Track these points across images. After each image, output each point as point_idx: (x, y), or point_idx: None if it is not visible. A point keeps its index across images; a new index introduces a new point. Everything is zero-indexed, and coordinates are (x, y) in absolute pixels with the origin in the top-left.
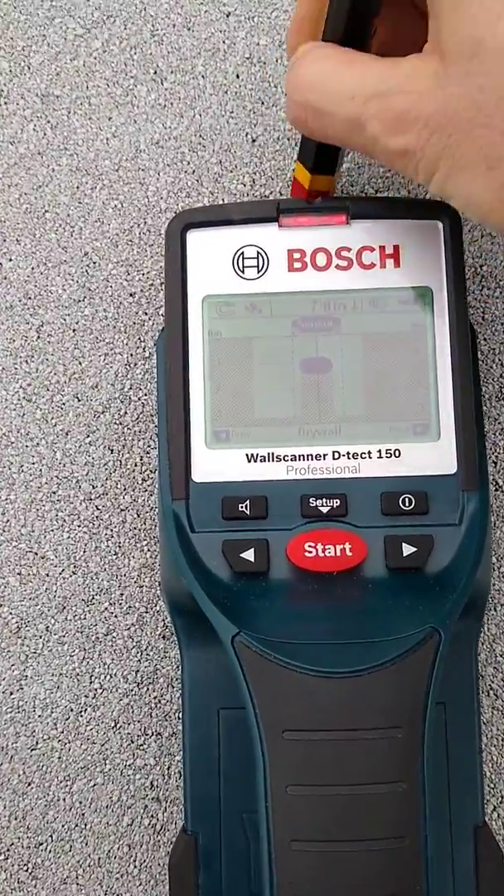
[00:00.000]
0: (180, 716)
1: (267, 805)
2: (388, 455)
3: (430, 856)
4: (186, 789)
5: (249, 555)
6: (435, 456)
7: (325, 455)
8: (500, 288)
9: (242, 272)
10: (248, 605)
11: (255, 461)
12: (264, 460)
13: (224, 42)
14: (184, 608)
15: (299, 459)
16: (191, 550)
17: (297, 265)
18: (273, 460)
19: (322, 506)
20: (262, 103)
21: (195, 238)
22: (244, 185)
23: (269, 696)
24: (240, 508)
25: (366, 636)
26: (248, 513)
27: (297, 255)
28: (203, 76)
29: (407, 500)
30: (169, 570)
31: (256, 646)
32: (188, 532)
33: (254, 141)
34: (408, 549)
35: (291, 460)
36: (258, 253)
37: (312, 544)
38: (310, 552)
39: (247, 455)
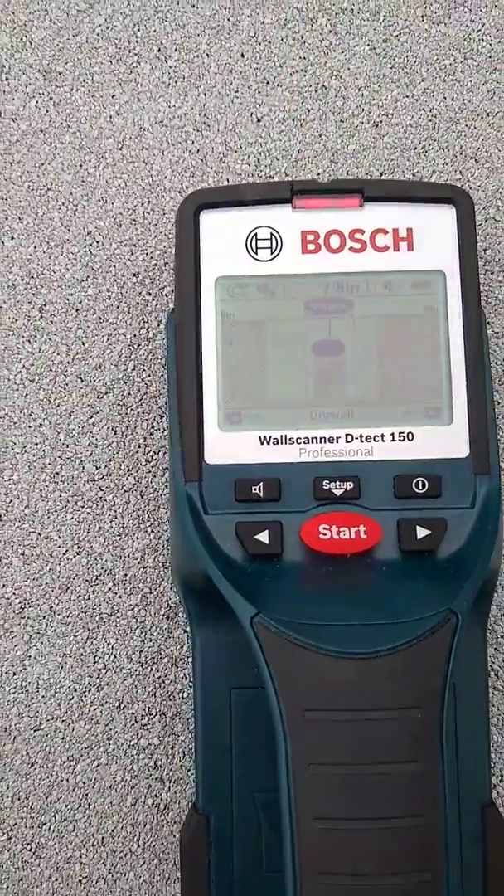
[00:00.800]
0: (188, 696)
1: (289, 784)
2: (401, 438)
3: (448, 837)
4: (198, 770)
5: (263, 536)
6: (448, 439)
7: (337, 438)
8: (503, 272)
9: (255, 253)
10: (264, 587)
11: (268, 443)
12: (277, 443)
13: (229, 20)
14: (196, 589)
15: (312, 442)
16: (205, 532)
17: (311, 247)
18: (286, 443)
19: (335, 488)
20: (268, 83)
21: (208, 219)
22: (249, 166)
23: (289, 677)
24: (253, 491)
25: (384, 618)
26: (261, 495)
27: (310, 237)
28: (208, 54)
29: (420, 483)
30: (181, 552)
31: (276, 626)
32: (201, 514)
33: (259, 121)
34: (421, 532)
35: (304, 443)
36: (271, 234)
37: (327, 527)
38: (324, 534)
39: (259, 437)
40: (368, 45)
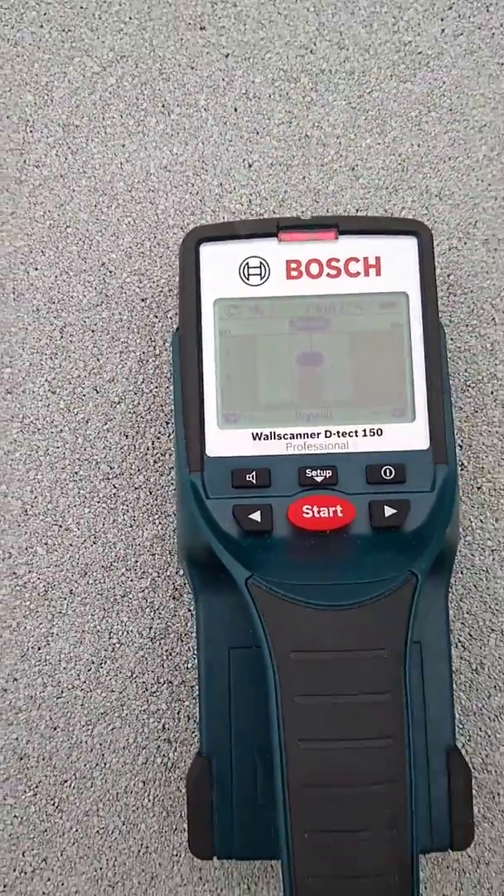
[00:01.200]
0: (192, 667)
1: (278, 713)
2: (372, 434)
3: (412, 756)
4: (202, 719)
5: (256, 516)
6: (411, 434)
7: (318, 434)
8: (463, 294)
9: (248, 279)
10: (256, 556)
11: (260, 439)
12: (267, 438)
13: (223, 79)
14: (199, 562)
15: (297, 438)
16: (207, 513)
17: (294, 273)
18: (275, 438)
19: (317, 476)
20: (257, 133)
21: (207, 250)
22: (241, 205)
23: (278, 626)
24: (247, 478)
25: (356, 578)
26: (254, 482)
27: (293, 265)
28: (205, 109)
29: (388, 471)
30: (186, 531)
31: (266, 585)
32: (203, 498)
33: (250, 166)
34: (389, 511)
35: (290, 438)
36: (261, 263)
37: (309, 507)
38: (307, 514)
39: (252, 434)
40: (345, 100)
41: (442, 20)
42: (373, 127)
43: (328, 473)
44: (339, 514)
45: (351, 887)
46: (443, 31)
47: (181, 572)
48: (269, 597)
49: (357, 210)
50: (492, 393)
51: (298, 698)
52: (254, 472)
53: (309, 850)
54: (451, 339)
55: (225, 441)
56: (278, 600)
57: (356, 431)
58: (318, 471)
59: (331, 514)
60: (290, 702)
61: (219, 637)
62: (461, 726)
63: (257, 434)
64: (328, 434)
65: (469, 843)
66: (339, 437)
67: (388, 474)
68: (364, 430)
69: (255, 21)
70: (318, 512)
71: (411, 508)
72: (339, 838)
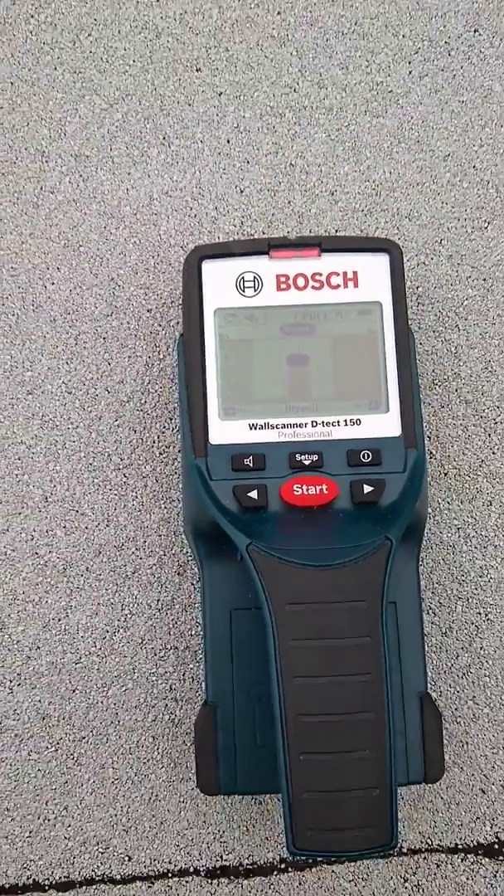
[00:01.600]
0: (197, 633)
1: (276, 655)
2: (352, 423)
3: (389, 689)
4: (207, 671)
5: (253, 494)
6: (385, 423)
7: (306, 424)
8: (431, 304)
9: (243, 291)
10: (254, 527)
11: (256, 429)
12: (262, 428)
13: (217, 115)
14: (204, 534)
15: (287, 427)
16: (210, 493)
17: (283, 286)
18: (268, 428)
19: (305, 460)
20: (248, 162)
21: (208, 266)
22: (234, 226)
23: (274, 583)
24: (245, 462)
25: (340, 543)
26: (251, 465)
27: (283, 279)
28: (201, 141)
29: (366, 455)
30: (193, 508)
31: (264, 549)
32: (208, 480)
33: (242, 192)
34: (367, 489)
35: (282, 428)
36: (254, 277)
37: (299, 486)
38: (297, 492)
39: (249, 424)
40: (325, 133)
41: (409, 63)
42: (349, 156)
43: (315, 457)
44: (325, 492)
45: (340, 799)
46: (410, 72)
47: (185, 550)
48: (267, 559)
49: (336, 230)
50: (456, 390)
51: (293, 642)
52: (251, 457)
53: (304, 770)
54: (420, 344)
55: (225, 431)
56: (275, 561)
57: (338, 421)
58: (306, 455)
59: (317, 492)
60: (286, 646)
61: (221, 600)
62: (433, 683)
63: (253, 424)
64: (314, 424)
65: (439, 776)
66: (323, 426)
67: (366, 458)
68: (345, 421)
69: (245, 63)
70: (307, 490)
71: (386, 486)
72: (329, 759)
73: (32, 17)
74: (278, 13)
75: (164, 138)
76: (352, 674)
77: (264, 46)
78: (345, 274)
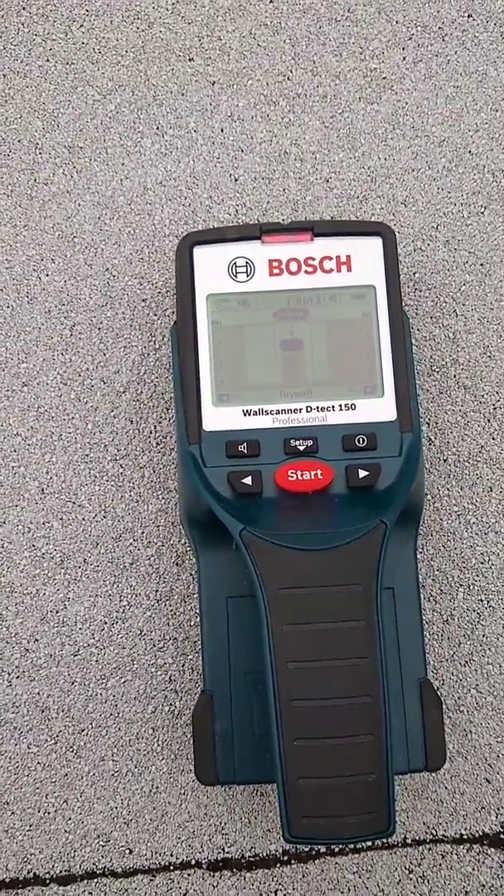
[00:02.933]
0: (195, 624)
1: (270, 640)
2: (347, 408)
3: (385, 673)
4: (204, 660)
5: (248, 480)
6: (380, 408)
7: (300, 409)
8: (428, 290)
9: (235, 277)
10: (249, 513)
11: (249, 415)
12: (256, 414)
13: (210, 104)
14: (200, 522)
15: (282, 413)
16: (205, 480)
17: (276, 271)
18: (262, 414)
19: (300, 445)
20: (242, 151)
21: (200, 252)
22: (229, 215)
23: (268, 567)
24: (239, 449)
25: (335, 527)
26: (245, 452)
27: (275, 264)
28: (195, 130)
29: (361, 439)
30: (188, 496)
31: (257, 534)
32: (202, 466)
33: (236, 180)
34: (362, 474)
35: (276, 413)
36: (247, 262)
37: (293, 472)
38: (292, 477)
39: (243, 411)
40: (319, 120)
41: (403, 49)
42: (344, 143)
43: (309, 443)
44: (320, 477)
45: (336, 785)
46: (404, 58)
47: (183, 541)
48: (260, 544)
49: (331, 217)
50: (454, 376)
51: (287, 627)
52: (245, 443)
53: (299, 755)
54: (417, 330)
55: (219, 417)
56: (268, 546)
57: (333, 406)
58: (301, 441)
59: (312, 477)
60: (280, 630)
61: (218, 588)
62: (435, 671)
63: (247, 411)
64: (309, 409)
65: (441, 764)
66: (318, 411)
67: (361, 442)
68: (340, 405)
69: (238, 52)
70: (302, 475)
71: (382, 470)
72: (325, 744)
73: (24, 8)
74: (271, 1)
75: (157, 128)
76: (346, 657)
77: (257, 35)
78: (338, 258)
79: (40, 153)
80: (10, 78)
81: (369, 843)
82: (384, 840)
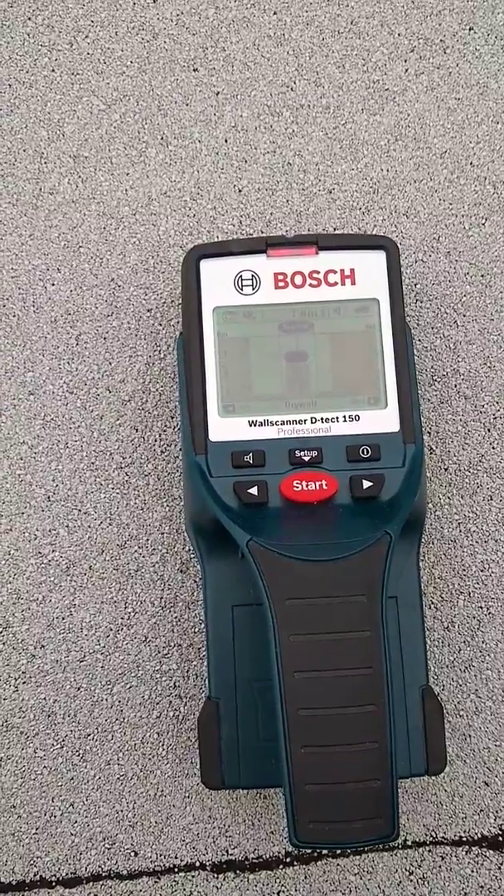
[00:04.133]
0: (200, 631)
1: (277, 649)
2: (351, 419)
3: (390, 682)
4: (210, 667)
5: (254, 490)
6: (384, 419)
7: (305, 420)
8: (429, 300)
9: (241, 290)
10: (255, 523)
11: (255, 426)
12: (261, 425)
13: (215, 114)
14: (205, 531)
15: (287, 424)
16: (211, 490)
17: (281, 284)
18: (268, 425)
19: (304, 455)
20: (246, 162)
21: (206, 265)
22: (233, 226)
23: (275, 578)
24: (245, 459)
25: (340, 538)
26: (251, 462)
27: (280, 277)
28: (199, 141)
29: (365, 450)
30: (194, 505)
31: (264, 545)
32: (208, 476)
33: (240, 191)
34: (366, 484)
35: (281, 424)
36: (252, 275)
37: (299, 482)
38: (297, 488)
39: (248, 421)
40: (322, 131)
41: (405, 61)
42: (347, 155)
43: (314, 453)
44: (324, 487)
45: (341, 791)
46: (406, 70)
47: (187, 548)
48: (267, 554)
49: (334, 228)
50: (455, 386)
51: (293, 637)
52: (251, 454)
53: (305, 762)
54: (419, 340)
55: (225, 428)
56: (275, 556)
57: (337, 417)
58: (306, 451)
59: (317, 488)
60: (287, 640)
61: (223, 596)
62: (436, 677)
63: (253, 421)
64: (313, 420)
65: (442, 769)
66: (322, 422)
67: (365, 453)
68: (344, 417)
69: (242, 63)
70: (307, 486)
71: (385, 481)
72: (331, 751)
73: (30, 19)
74: (274, 13)
75: (162, 138)
76: (352, 667)
77: (261, 46)
78: (342, 271)
79: (46, 163)
80: (15, 88)
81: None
82: None
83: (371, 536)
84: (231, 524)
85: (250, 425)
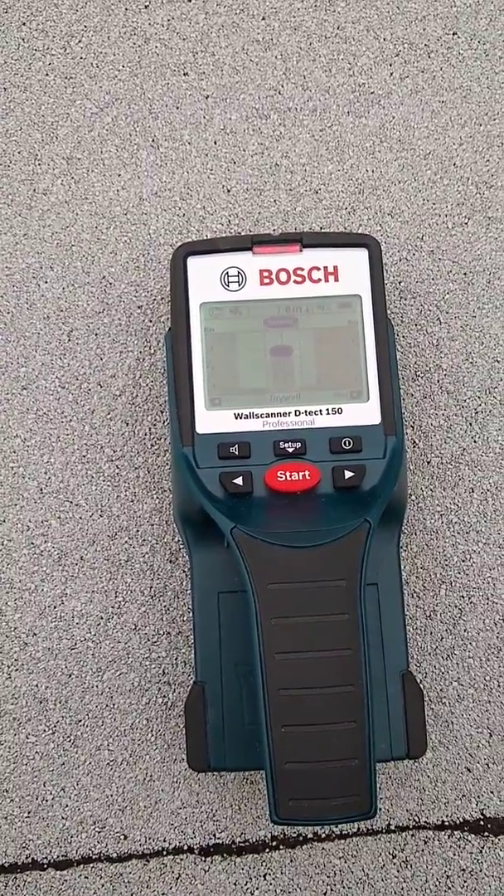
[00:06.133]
0: (188, 619)
1: (259, 632)
2: (334, 412)
3: (368, 663)
4: (196, 651)
5: (239, 481)
6: (366, 412)
7: (289, 413)
8: (413, 298)
9: (227, 286)
10: (239, 511)
11: (241, 418)
12: (247, 417)
13: (204, 117)
14: (192, 520)
15: (271, 416)
16: (198, 480)
17: (266, 280)
18: (253, 417)
19: (288, 447)
20: (234, 163)
21: (193, 262)
22: (222, 225)
23: (257, 563)
24: (230, 451)
25: (320, 525)
26: (236, 454)
27: (266, 274)
28: (189, 143)
29: (347, 442)
30: (181, 495)
31: (248, 532)
32: (195, 468)
33: (229, 191)
34: (348, 475)
35: (266, 417)
36: (238, 272)
37: (282, 473)
38: (281, 478)
39: (234, 414)
40: (309, 133)
41: (390, 65)
42: (333, 156)
43: (298, 445)
44: (307, 478)
45: (321, 770)
46: (391, 74)
47: (176, 538)
48: (250, 541)
49: (320, 228)
50: (437, 381)
51: (275, 620)
52: (236, 445)
53: (286, 741)
54: (402, 337)
55: (211, 420)
56: (258, 543)
57: (320, 410)
58: (290, 443)
59: (300, 478)
60: (268, 623)
61: (209, 584)
62: (418, 665)
63: (238, 414)
64: (297, 413)
65: (423, 752)
66: (306, 415)
67: (347, 445)
68: (327, 409)
69: (231, 67)
70: (290, 476)
71: (366, 472)
72: (310, 731)
73: (24, 24)
74: (263, 18)
75: (153, 141)
76: (331, 649)
77: (249, 51)
78: (325, 268)
79: (39, 164)
80: (10, 91)
81: (354, 829)
82: (369, 826)
83: (351, 524)
84: (216, 513)
85: (236, 418)
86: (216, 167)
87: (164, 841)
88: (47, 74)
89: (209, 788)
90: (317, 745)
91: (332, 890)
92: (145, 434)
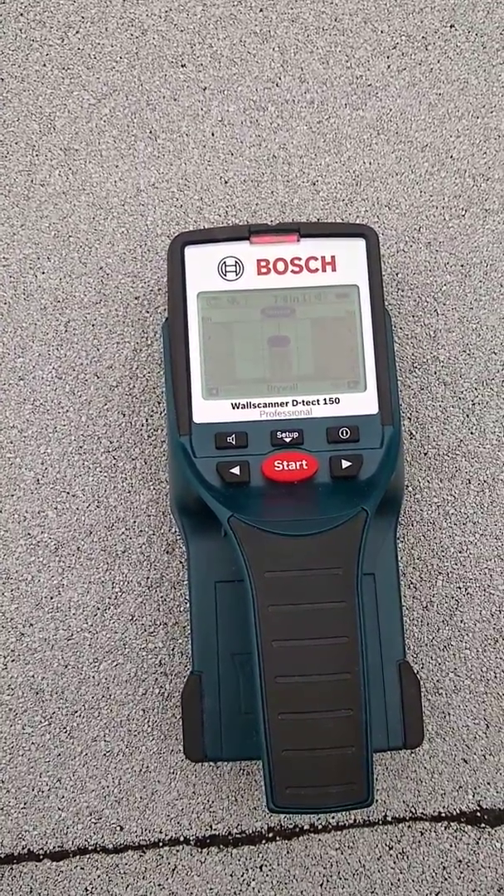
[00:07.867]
0: (185, 610)
1: (256, 620)
2: (331, 402)
3: (364, 651)
4: (193, 641)
5: (236, 470)
6: (363, 402)
7: (286, 403)
8: (410, 289)
9: (225, 275)
10: (237, 501)
11: (238, 408)
12: (244, 407)
13: (202, 109)
14: (190, 510)
15: (269, 406)
16: (195, 470)
17: (264, 270)
18: (250, 407)
19: (286, 437)
20: (232, 154)
21: (191, 252)
22: (219, 216)
23: (254, 551)
24: (228, 440)
25: (318, 514)
26: (233, 443)
27: (263, 263)
28: (187, 134)
29: (344, 431)
30: (178, 485)
31: (245, 520)
32: (192, 457)
33: (226, 183)
34: (345, 464)
35: (263, 407)
36: (236, 262)
37: (280, 462)
38: (278, 467)
39: (231, 404)
40: (306, 125)
41: (388, 57)
42: (330, 148)
43: (295, 435)
44: (305, 468)
45: (317, 757)
46: (388, 66)
47: (173, 529)
48: (248, 529)
49: (318, 219)
50: (435, 373)
51: (272, 608)
52: (233, 435)
53: (283, 729)
54: (400, 328)
55: (209, 410)
56: (255, 531)
57: (318, 400)
58: (287, 433)
59: (298, 468)
60: (266, 611)
61: (206, 574)
62: (415, 656)
63: (236, 404)
64: (294, 403)
65: (419, 741)
66: (303, 405)
67: (344, 434)
68: (324, 399)
69: (229, 59)
70: (287, 466)
71: (364, 461)
72: (307, 718)
73: (22, 15)
74: (260, 10)
75: (150, 132)
76: (328, 637)
77: (247, 42)
78: (323, 258)
79: (37, 155)
80: (8, 82)
81: (351, 821)
82: (365, 817)
83: (348, 513)
84: (213, 502)
85: (233, 407)
86: (214, 158)
87: (161, 832)
88: (45, 65)
89: (206, 780)
90: (314, 733)
91: (328, 881)
92: (142, 424)
